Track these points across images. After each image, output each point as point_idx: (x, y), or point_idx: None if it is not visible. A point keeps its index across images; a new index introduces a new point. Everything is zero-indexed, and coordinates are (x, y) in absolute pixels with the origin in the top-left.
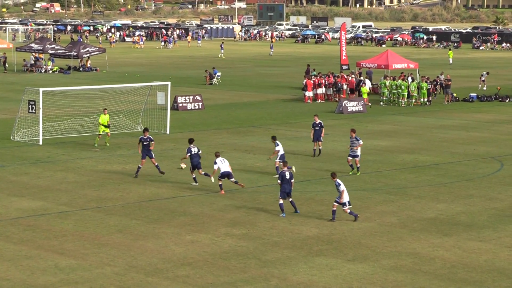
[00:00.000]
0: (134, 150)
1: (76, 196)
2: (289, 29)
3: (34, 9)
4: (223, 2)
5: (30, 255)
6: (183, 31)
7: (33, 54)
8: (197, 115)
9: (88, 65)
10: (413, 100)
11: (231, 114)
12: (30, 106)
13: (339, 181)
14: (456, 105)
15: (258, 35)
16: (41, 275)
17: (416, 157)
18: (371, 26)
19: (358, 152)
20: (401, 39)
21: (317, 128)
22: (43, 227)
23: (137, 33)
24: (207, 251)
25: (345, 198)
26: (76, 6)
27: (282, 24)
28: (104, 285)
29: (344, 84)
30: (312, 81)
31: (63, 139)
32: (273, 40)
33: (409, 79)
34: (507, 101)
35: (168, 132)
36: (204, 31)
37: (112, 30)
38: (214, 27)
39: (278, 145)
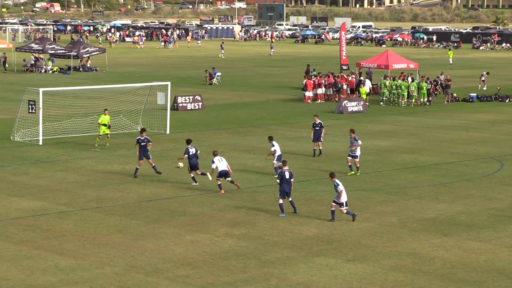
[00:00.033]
0: (134, 150)
1: (76, 196)
2: (289, 29)
3: (34, 9)
4: (223, 2)
5: (30, 255)
6: (183, 31)
7: (33, 54)
8: (197, 115)
9: (88, 65)
10: (413, 100)
11: (231, 114)
12: (30, 106)
13: (337, 181)
14: (456, 105)
15: (258, 35)
16: (41, 275)
17: (416, 157)
18: (371, 26)
19: (357, 153)
20: (401, 39)
21: (317, 128)
22: (43, 227)
23: (137, 33)
24: (207, 251)
25: (343, 198)
26: (76, 6)
27: (282, 24)
28: (104, 285)
29: (344, 84)
30: (312, 81)
31: (63, 139)
32: (273, 40)
33: (409, 79)
34: (507, 101)
35: (168, 132)
36: (204, 31)
37: (112, 30)
38: (214, 27)
39: (273, 145)
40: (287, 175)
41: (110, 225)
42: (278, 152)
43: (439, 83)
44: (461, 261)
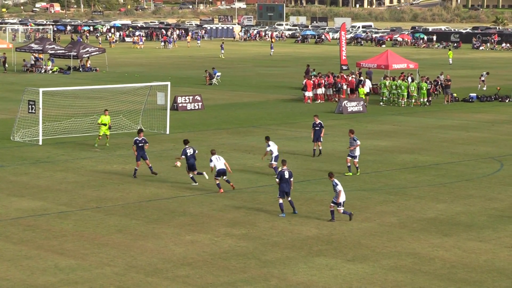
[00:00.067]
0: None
1: (76, 196)
2: (288, 29)
3: (34, 9)
4: (223, 2)
5: (30, 255)
6: (183, 31)
7: (33, 54)
8: (197, 115)
9: (88, 65)
10: (413, 100)
11: (231, 114)
12: (30, 106)
13: (336, 181)
14: (456, 105)
15: (258, 35)
16: (41, 275)
17: (416, 157)
18: (371, 26)
19: (356, 153)
20: (401, 39)
21: (317, 128)
22: (43, 227)
23: (137, 33)
24: (206, 251)
25: (342, 198)
26: (76, 6)
27: (282, 24)
28: (104, 285)
29: (344, 84)
30: (312, 81)
31: (63, 139)
32: (273, 40)
33: (409, 79)
34: (507, 101)
35: (168, 132)
36: (204, 31)
37: (112, 30)
38: (214, 27)
39: (269, 145)
40: (286, 175)
41: (110, 225)
42: (275, 153)
43: (439, 83)
44: (461, 261)
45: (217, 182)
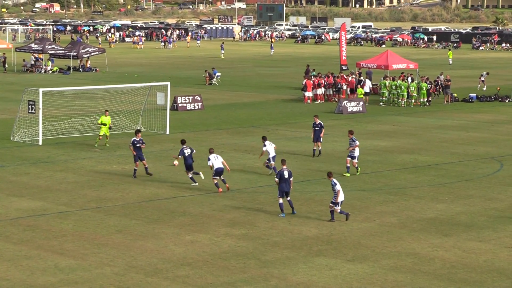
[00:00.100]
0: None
1: (75, 196)
2: (288, 30)
3: (34, 9)
4: (222, 2)
5: (30, 255)
6: (183, 32)
7: (33, 54)
8: (197, 116)
9: (88, 65)
10: (413, 101)
11: (231, 115)
12: (29, 107)
13: (335, 180)
14: (455, 106)
15: (258, 35)
16: (40, 275)
17: (415, 158)
18: (370, 26)
19: (355, 153)
20: (400, 40)
21: (317, 128)
22: (43, 227)
23: (136, 33)
24: (206, 251)
25: (340, 198)
26: (75, 6)
27: (281, 25)
28: (104, 285)
29: (344, 84)
30: (311, 82)
31: (62, 139)
32: (273, 40)
33: (409, 79)
34: (507, 101)
35: (167, 132)
36: (203, 31)
37: (112, 30)
38: (214, 28)
39: (265, 145)
40: (286, 174)
41: (110, 225)
42: (272, 153)
43: (439, 83)
44: (461, 261)
45: (215, 181)
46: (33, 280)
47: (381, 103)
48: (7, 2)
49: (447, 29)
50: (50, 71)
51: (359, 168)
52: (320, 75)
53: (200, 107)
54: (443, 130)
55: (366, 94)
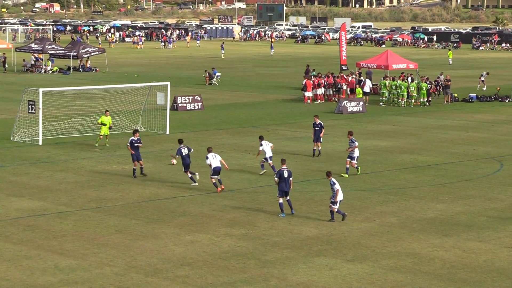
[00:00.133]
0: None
1: (75, 196)
2: (288, 30)
3: (34, 9)
4: (222, 2)
5: (30, 255)
6: (183, 32)
7: (33, 54)
8: (197, 116)
9: (88, 65)
10: (413, 101)
11: (231, 115)
12: (29, 106)
13: (334, 180)
14: (455, 106)
15: (258, 35)
16: (40, 275)
17: (415, 158)
18: (370, 26)
19: (355, 154)
20: (400, 40)
21: (317, 128)
22: (43, 227)
23: (136, 33)
24: (206, 251)
25: (339, 197)
26: (75, 6)
27: (281, 25)
28: (104, 285)
29: (344, 84)
30: (311, 82)
31: (62, 139)
32: (273, 40)
33: (409, 79)
34: (507, 101)
35: (167, 132)
36: (203, 31)
37: (112, 30)
38: (214, 28)
39: (262, 145)
40: (285, 174)
41: (109, 225)
42: (269, 153)
43: (439, 83)
44: (461, 261)
45: (214, 181)
46: (33, 280)
47: (381, 103)
48: (7, 2)
49: (447, 29)
50: (50, 71)
51: (359, 167)
52: (320, 75)
53: (200, 107)
54: (443, 130)
55: (366, 94)
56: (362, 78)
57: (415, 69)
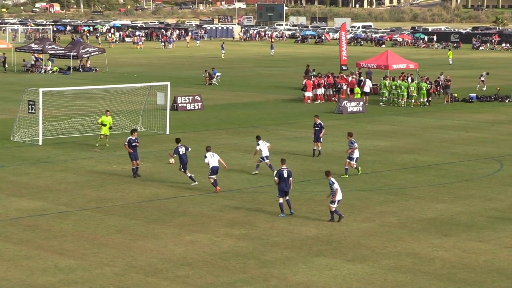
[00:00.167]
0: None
1: (75, 196)
2: (288, 30)
3: (34, 9)
4: (222, 2)
5: (30, 255)
6: (183, 32)
7: (34, 54)
8: (197, 116)
9: (88, 65)
10: (413, 101)
11: (231, 115)
12: (29, 107)
13: (333, 179)
14: (455, 106)
15: (258, 35)
16: (40, 275)
17: (415, 158)
18: (370, 26)
19: (354, 155)
20: (400, 40)
21: (316, 128)
22: (43, 227)
23: (136, 33)
24: (206, 251)
25: (338, 196)
26: (75, 6)
27: (281, 25)
28: (104, 285)
29: (344, 84)
30: (311, 82)
31: (62, 140)
32: (273, 40)
33: (409, 79)
34: (507, 101)
35: (167, 132)
36: (203, 32)
37: (112, 30)
38: (214, 28)
39: (259, 144)
40: (285, 174)
41: (109, 225)
42: (266, 153)
43: (440, 83)
44: (461, 261)
45: (212, 181)
46: (33, 280)
47: (381, 103)
48: (7, 2)
49: (447, 29)
50: (50, 71)
51: (360, 168)
52: (320, 75)
53: (200, 107)
54: (443, 130)
55: (366, 94)
56: (362, 78)
57: (415, 69)
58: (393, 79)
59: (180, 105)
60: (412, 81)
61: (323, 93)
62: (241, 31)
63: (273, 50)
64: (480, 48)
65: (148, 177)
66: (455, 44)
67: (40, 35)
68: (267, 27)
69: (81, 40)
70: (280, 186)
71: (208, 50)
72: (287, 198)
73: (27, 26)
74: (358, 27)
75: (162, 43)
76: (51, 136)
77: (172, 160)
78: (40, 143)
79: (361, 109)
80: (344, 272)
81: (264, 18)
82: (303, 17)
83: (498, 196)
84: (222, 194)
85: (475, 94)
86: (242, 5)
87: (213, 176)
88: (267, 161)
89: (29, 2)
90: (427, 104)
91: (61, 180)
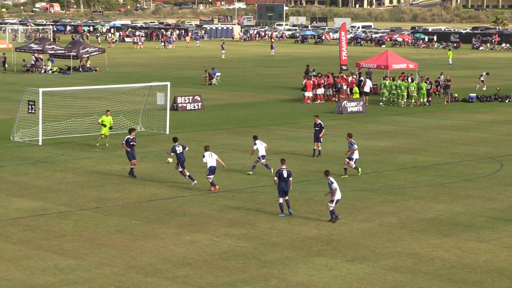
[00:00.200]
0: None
1: (75, 196)
2: (288, 30)
3: (34, 9)
4: (222, 2)
5: (30, 255)
6: (183, 32)
7: (34, 54)
8: (197, 116)
9: (88, 65)
10: (413, 101)
11: (231, 115)
12: (29, 107)
13: (332, 179)
14: (455, 106)
15: (258, 35)
16: (40, 275)
17: (415, 158)
18: (370, 26)
19: (354, 156)
20: (400, 40)
21: (316, 129)
22: (43, 227)
23: (136, 33)
24: (206, 251)
25: (337, 196)
26: (75, 6)
27: (281, 25)
28: (104, 285)
29: (343, 84)
30: (311, 82)
31: (62, 140)
32: (273, 40)
33: (409, 79)
34: (507, 101)
35: (167, 132)
36: (203, 32)
37: (112, 30)
38: (214, 28)
39: (256, 144)
40: (285, 174)
41: (109, 225)
42: (262, 152)
43: (440, 83)
44: (461, 261)
45: (210, 180)
46: (33, 280)
47: (381, 103)
48: (7, 2)
49: (447, 29)
50: (50, 71)
51: (360, 168)
52: (320, 75)
53: (200, 107)
54: (443, 130)
55: (366, 94)
56: (362, 78)
57: (415, 69)
58: (393, 79)
59: (180, 105)
60: (412, 81)
61: (323, 93)
62: (241, 31)
63: (273, 50)
64: (480, 48)
65: (148, 177)
66: (455, 44)
67: (40, 35)
68: (267, 27)
69: (81, 40)
70: (280, 186)
71: (208, 50)
72: (287, 198)
73: (27, 26)
74: (358, 27)
75: (162, 43)
76: (51, 136)
77: (169, 160)
78: (40, 143)
79: (361, 109)
80: (344, 272)
81: (264, 18)
82: (303, 17)
83: (498, 196)
84: (222, 194)
85: (475, 94)
86: (242, 5)
87: (211, 176)
88: (262, 161)
89: (29, 2)
90: (427, 104)
91: (61, 180)
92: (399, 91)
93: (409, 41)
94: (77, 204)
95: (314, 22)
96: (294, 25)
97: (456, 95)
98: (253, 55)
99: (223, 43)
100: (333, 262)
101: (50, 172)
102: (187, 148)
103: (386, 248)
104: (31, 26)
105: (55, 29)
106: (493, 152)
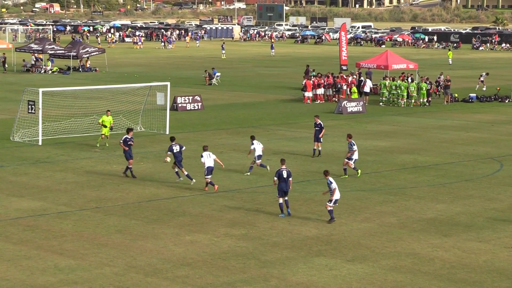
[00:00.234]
0: (134, 150)
1: (75, 196)
2: (288, 30)
3: (34, 9)
4: (222, 2)
5: (30, 255)
6: (183, 32)
7: (34, 54)
8: (197, 116)
9: (88, 65)
10: (413, 101)
11: (231, 115)
12: (29, 107)
13: (331, 179)
14: (455, 106)
15: (258, 35)
16: (40, 275)
17: (415, 158)
18: (370, 26)
19: (353, 157)
20: (400, 40)
21: (317, 129)
22: (43, 227)
23: (136, 33)
24: (206, 251)
25: (336, 196)
26: (75, 6)
27: (281, 25)
28: (104, 285)
29: (343, 84)
30: (311, 82)
31: (62, 140)
32: (273, 40)
33: (409, 79)
34: (507, 101)
35: (167, 132)
36: (203, 32)
37: (112, 30)
38: (214, 28)
39: (253, 144)
40: (284, 174)
41: (109, 225)
42: (259, 152)
43: (440, 83)
44: (461, 261)
45: (208, 180)
46: (33, 280)
47: (381, 103)
48: (7, 2)
49: (447, 29)
50: (50, 71)
51: (359, 170)
52: (320, 75)
53: (200, 107)
54: (443, 130)
55: (366, 94)
56: (362, 78)
57: (415, 69)
58: (393, 79)
59: (180, 105)
60: (412, 81)
61: (323, 93)
62: (241, 31)
63: (273, 50)
64: (480, 48)
65: (148, 177)
66: (455, 44)
67: (40, 35)
68: (267, 27)
69: (81, 40)
70: (279, 186)
71: (208, 50)
72: (286, 198)
73: (27, 26)
74: (358, 27)
75: (162, 43)
76: (51, 136)
77: (167, 159)
78: (40, 143)
79: (361, 109)
80: (344, 272)
81: (264, 18)
82: (303, 17)
83: (498, 196)
84: (222, 194)
85: (475, 94)
86: (242, 5)
87: (209, 177)
88: (258, 161)
89: (29, 2)
90: (427, 104)
91: (61, 180)
92: (399, 91)
93: (409, 41)
94: (77, 204)
95: (314, 22)
96: (294, 25)
97: (456, 95)
98: (253, 55)
99: (224, 43)
100: (333, 262)
101: (50, 172)
102: (184, 147)
103: (386, 248)
104: (31, 26)
105: (55, 29)
106: (493, 152)
